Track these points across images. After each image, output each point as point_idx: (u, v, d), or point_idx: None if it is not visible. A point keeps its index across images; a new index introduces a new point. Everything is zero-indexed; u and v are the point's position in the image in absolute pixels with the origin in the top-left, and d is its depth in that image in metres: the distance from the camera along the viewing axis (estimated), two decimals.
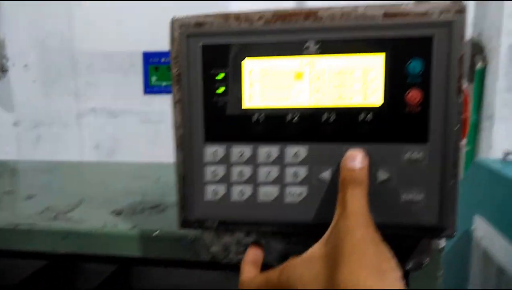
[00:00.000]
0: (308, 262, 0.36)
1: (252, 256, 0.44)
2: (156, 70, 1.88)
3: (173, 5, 1.77)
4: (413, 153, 0.39)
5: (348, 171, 0.38)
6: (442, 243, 0.45)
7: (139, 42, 1.87)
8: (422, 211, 0.39)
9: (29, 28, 1.81)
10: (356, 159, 0.38)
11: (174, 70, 0.42)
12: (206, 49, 0.41)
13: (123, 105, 1.97)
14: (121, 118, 1.98)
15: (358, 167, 0.38)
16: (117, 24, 1.89)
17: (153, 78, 1.90)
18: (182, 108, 0.42)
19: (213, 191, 0.43)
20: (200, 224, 0.44)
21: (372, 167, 0.39)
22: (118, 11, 1.87)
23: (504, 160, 0.94)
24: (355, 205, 0.35)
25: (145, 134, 1.96)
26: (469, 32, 1.75)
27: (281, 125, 0.41)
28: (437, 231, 0.40)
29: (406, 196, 0.39)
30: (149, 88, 1.91)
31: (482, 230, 0.96)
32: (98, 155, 2.03)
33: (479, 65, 1.72)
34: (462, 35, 0.37)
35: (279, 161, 0.41)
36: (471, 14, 1.72)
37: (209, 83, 0.41)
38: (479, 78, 1.72)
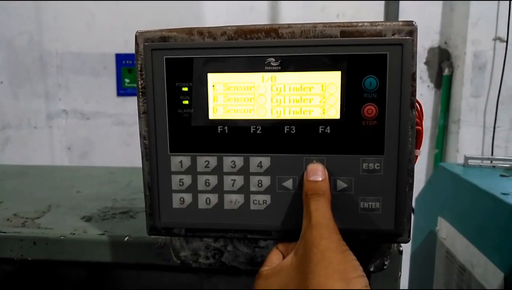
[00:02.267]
0: (279, 272, 0.38)
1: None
2: (129, 72, 1.87)
3: (147, 6, 1.77)
4: (370, 163, 0.41)
5: (311, 183, 0.40)
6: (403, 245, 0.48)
7: (112, 43, 1.86)
8: (379, 217, 0.42)
9: None
10: (317, 171, 0.40)
11: (140, 83, 0.43)
12: (170, 62, 0.42)
13: (96, 108, 1.95)
14: (94, 121, 1.96)
15: (320, 179, 0.40)
16: (88, 25, 1.87)
17: (126, 80, 1.89)
18: (147, 120, 0.43)
19: (180, 199, 0.44)
20: (168, 231, 0.45)
21: (332, 176, 0.41)
22: (90, 12, 1.86)
23: (465, 165, 0.99)
24: (320, 216, 0.37)
25: (119, 136, 1.95)
26: (436, 40, 1.81)
27: (245, 137, 0.42)
28: (393, 237, 0.42)
29: (364, 204, 0.42)
30: (122, 90, 1.90)
31: (445, 231, 1.00)
32: (70, 157, 2.00)
33: (446, 71, 1.78)
34: (413, 54, 0.40)
35: (244, 171, 0.43)
36: (438, 22, 1.78)
37: (174, 96, 0.42)
38: (447, 84, 1.79)
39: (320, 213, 0.37)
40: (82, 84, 1.93)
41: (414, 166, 0.42)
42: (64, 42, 1.89)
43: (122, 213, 0.61)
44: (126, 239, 0.52)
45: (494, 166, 0.97)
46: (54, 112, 1.93)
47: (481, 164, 0.99)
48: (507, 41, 1.58)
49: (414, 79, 0.40)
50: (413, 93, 0.40)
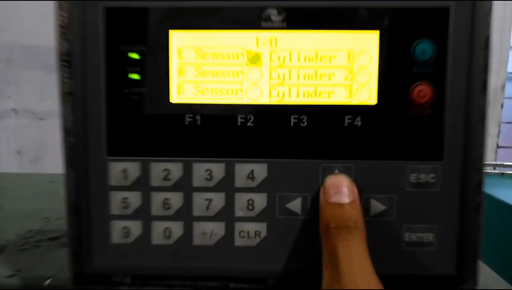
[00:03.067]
0: None
1: None
2: None
3: None
4: (421, 174, 0.27)
5: (333, 209, 0.25)
6: None
7: None
8: (434, 256, 0.28)
9: None
10: (341, 189, 0.26)
11: (61, 48, 0.27)
12: (111, 14, 0.26)
13: (51, 107, 1.76)
14: (48, 121, 1.77)
15: (347, 200, 0.25)
16: (42, 16, 1.68)
17: None
18: (73, 105, 0.27)
19: (123, 230, 0.29)
20: (104, 279, 0.29)
21: (363, 194, 0.27)
22: (42, 3, 1.66)
23: None
24: (354, 268, 0.23)
25: None
26: None
27: (228, 132, 0.27)
28: (454, 283, 0.28)
29: (411, 236, 0.28)
30: None
31: None
32: (20, 161, 1.80)
33: None
34: (489, 8, 0.26)
35: (226, 185, 0.28)
36: None
37: (117, 67, 0.27)
38: None
39: (355, 262, 0.23)
40: (35, 81, 1.74)
41: (484, 178, 0.28)
42: (14, 34, 1.70)
43: (52, 238, 0.45)
44: (46, 283, 0.35)
45: (502, 173, 0.86)
46: (2, 112, 1.73)
47: (487, 171, 0.87)
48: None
49: (487, 47, 0.26)
50: (486, 68, 0.26)
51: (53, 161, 1.78)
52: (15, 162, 1.79)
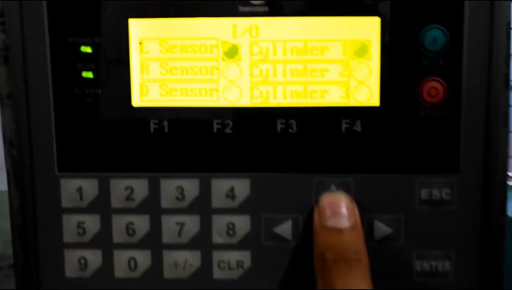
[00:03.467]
0: None
1: None
2: None
3: None
4: (434, 189, 0.23)
5: (330, 235, 0.21)
6: None
7: None
8: (450, 287, 0.23)
9: None
10: (340, 209, 0.21)
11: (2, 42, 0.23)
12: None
13: None
14: None
15: (346, 225, 0.21)
16: None
17: None
18: (15, 110, 0.23)
19: (79, 261, 0.24)
20: None
21: (365, 214, 0.22)
22: None
23: None
24: None
25: None
26: None
27: (202, 141, 0.23)
28: None
29: (423, 264, 0.23)
30: None
31: None
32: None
33: None
34: None
35: (201, 205, 0.23)
36: None
37: (65, 62, 0.22)
38: None
39: None
40: None
41: (508, 194, 0.23)
42: None
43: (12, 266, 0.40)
44: None
45: None
46: None
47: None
48: None
49: (509, 34, 0.22)
50: (508, 59, 0.22)
51: None
52: None
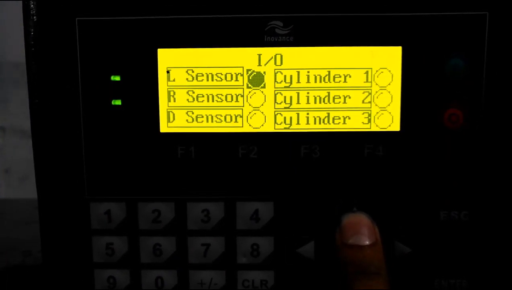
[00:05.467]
0: None
1: None
2: None
3: None
4: (452, 211, 0.23)
5: (351, 252, 0.22)
6: None
7: None
8: None
9: None
10: (361, 229, 0.22)
11: (31, 69, 0.23)
12: (86, 29, 0.23)
13: None
14: None
15: (367, 242, 0.21)
16: None
17: None
18: (44, 136, 0.23)
19: (108, 280, 0.25)
20: None
21: (385, 235, 0.23)
22: None
23: None
24: None
25: None
26: None
27: (227, 166, 0.24)
28: None
29: (442, 282, 0.23)
30: None
31: None
32: (8, 180, 1.75)
33: None
34: None
35: (226, 227, 0.24)
36: None
37: (95, 91, 0.23)
38: None
39: None
40: (24, 98, 1.69)
41: None
42: (2, 50, 1.66)
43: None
44: None
45: None
46: None
47: None
48: None
49: None
50: None
51: None
52: (3, 181, 1.74)
